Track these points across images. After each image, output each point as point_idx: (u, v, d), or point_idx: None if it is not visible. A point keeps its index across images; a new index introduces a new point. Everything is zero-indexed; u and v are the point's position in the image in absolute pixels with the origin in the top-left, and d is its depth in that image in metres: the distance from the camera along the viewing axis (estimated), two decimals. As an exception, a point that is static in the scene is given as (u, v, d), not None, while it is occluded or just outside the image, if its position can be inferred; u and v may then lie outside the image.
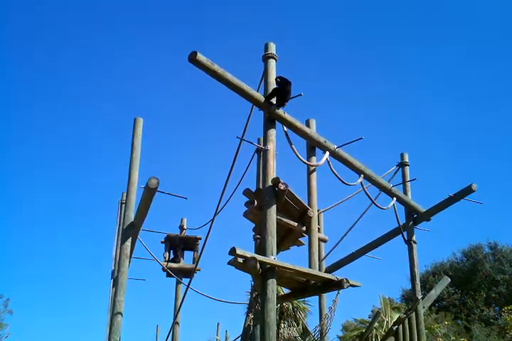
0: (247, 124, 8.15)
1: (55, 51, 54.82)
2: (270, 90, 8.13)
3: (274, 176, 7.76)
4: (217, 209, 8.06)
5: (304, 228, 8.46)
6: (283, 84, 8.01)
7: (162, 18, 58.42)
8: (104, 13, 56.49)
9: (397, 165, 11.42)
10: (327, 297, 11.02)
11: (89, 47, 55.61)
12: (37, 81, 54.45)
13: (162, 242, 12.91)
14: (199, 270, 12.25)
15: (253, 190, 8.15)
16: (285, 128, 8.39)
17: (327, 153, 8.93)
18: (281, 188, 7.61)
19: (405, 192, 11.11)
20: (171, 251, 13.02)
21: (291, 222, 8.30)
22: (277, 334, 12.82)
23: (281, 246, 8.51)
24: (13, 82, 51.49)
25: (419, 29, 58.85)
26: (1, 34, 50.49)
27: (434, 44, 57.71)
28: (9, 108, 51.17)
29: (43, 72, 55.18)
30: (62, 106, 55.80)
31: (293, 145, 8.44)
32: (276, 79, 8.10)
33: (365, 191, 9.79)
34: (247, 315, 10.53)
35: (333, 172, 9.01)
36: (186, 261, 13.14)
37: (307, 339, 15.16)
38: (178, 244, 13.03)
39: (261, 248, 7.47)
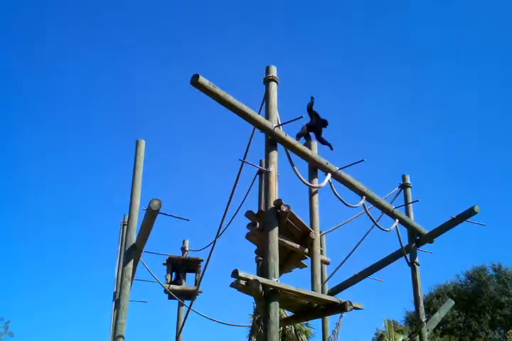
0: (248, 146, 8.19)
1: (59, 70, 55.28)
2: (271, 112, 8.21)
3: (276, 198, 7.77)
4: (219, 231, 8.06)
5: (307, 250, 8.42)
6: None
7: (165, 40, 59.01)
8: (108, 34, 57.15)
9: (399, 187, 11.43)
10: (330, 320, 10.94)
11: (93, 67, 56.05)
12: (39, 100, 54.70)
13: (164, 264, 12.88)
14: (201, 292, 12.21)
15: (255, 212, 8.14)
16: (287, 150, 8.42)
17: (329, 174, 8.94)
18: (284, 210, 7.61)
19: (408, 214, 11.10)
20: (173, 273, 13.00)
21: (294, 244, 8.26)
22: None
23: (284, 268, 8.46)
24: (15, 97, 51.77)
25: (417, 47, 59.34)
26: (5, 42, 50.96)
27: (431, 62, 58.10)
28: (10, 127, 51.39)
29: (46, 92, 55.49)
30: (63, 127, 56.02)
31: (295, 167, 8.46)
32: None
33: (367, 213, 9.79)
34: (250, 338, 10.46)
35: (335, 194, 9.02)
36: (188, 283, 13.09)
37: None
38: (180, 266, 13.00)
39: (263, 270, 7.45)
